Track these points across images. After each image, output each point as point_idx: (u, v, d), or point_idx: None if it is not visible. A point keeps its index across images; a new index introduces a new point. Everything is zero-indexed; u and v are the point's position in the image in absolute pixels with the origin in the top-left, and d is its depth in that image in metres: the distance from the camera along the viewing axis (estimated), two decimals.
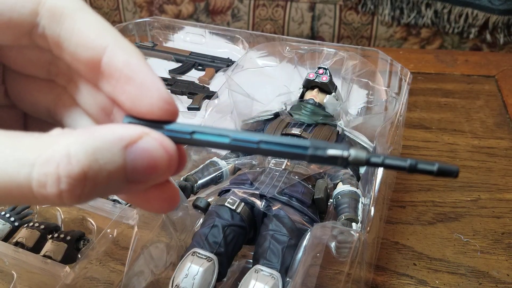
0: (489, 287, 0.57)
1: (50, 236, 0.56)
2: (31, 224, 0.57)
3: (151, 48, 0.89)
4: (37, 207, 0.60)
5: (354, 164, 0.23)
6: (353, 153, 0.22)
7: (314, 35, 1.28)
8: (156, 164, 0.22)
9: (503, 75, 0.94)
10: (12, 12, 0.23)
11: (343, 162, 0.22)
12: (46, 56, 0.26)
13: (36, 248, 0.54)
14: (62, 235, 0.54)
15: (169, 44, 0.92)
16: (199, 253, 0.47)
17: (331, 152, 0.22)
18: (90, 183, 0.20)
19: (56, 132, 0.21)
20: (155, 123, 0.24)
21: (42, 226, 0.56)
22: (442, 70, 0.97)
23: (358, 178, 0.59)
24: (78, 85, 0.27)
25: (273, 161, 0.57)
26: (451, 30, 1.16)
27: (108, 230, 0.49)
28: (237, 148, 0.24)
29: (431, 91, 0.91)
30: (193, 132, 0.23)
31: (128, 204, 0.53)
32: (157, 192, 0.24)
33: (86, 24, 0.24)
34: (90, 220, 0.57)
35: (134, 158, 0.21)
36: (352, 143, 0.61)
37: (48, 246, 0.53)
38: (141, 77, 0.23)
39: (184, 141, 0.24)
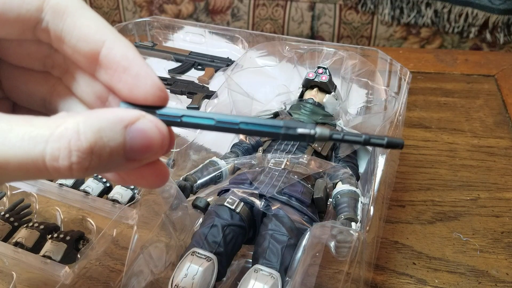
0: (488, 286, 0.57)
1: (49, 236, 0.56)
2: (30, 224, 0.57)
3: (150, 47, 0.89)
4: (37, 207, 0.60)
5: (320, 140, 0.27)
6: (318, 131, 0.26)
7: (314, 35, 1.27)
8: (151, 143, 0.25)
9: (503, 74, 0.94)
10: (20, 9, 0.26)
11: (310, 138, 0.26)
12: (43, 50, 0.29)
13: (35, 248, 0.54)
14: (61, 235, 0.54)
15: (169, 44, 0.92)
16: (198, 253, 0.47)
17: (300, 130, 0.26)
18: (95, 157, 0.23)
19: (62, 114, 0.24)
20: (149, 108, 0.27)
21: (42, 226, 0.56)
22: (441, 69, 0.97)
23: (358, 178, 0.59)
24: (75, 75, 0.30)
25: (272, 160, 0.57)
26: (451, 30, 1.16)
27: (108, 230, 0.49)
28: (221, 129, 0.27)
29: (430, 91, 0.91)
30: (182, 116, 0.27)
31: (128, 204, 0.53)
32: (150, 170, 0.28)
33: (86, 20, 0.26)
34: (90, 220, 0.57)
35: (132, 137, 0.24)
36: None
37: (48, 246, 0.53)
38: (137, 67, 0.26)
39: (175, 123, 0.27)
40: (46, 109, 0.31)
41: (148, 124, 0.25)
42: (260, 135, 0.28)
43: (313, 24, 1.26)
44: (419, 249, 0.62)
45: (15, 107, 0.32)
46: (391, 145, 0.27)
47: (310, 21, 1.25)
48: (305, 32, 1.27)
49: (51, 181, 0.60)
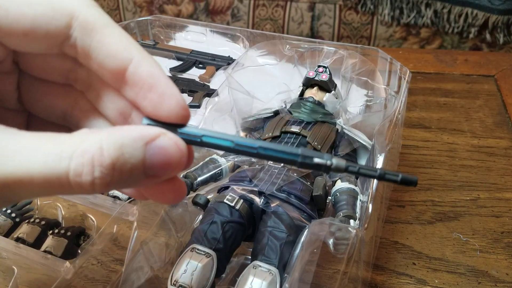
0: (488, 286, 0.57)
1: (50, 231, 0.56)
2: (32, 220, 0.58)
3: (152, 46, 0.89)
4: (38, 203, 0.60)
5: (335, 171, 0.27)
6: (334, 162, 0.27)
7: (314, 35, 1.28)
8: (170, 160, 0.26)
9: (502, 74, 0.94)
10: (49, 25, 0.26)
11: (326, 169, 0.27)
12: (68, 64, 0.30)
13: (36, 243, 0.55)
14: (62, 231, 0.55)
15: (171, 43, 0.92)
16: (198, 249, 0.47)
17: (317, 160, 0.27)
18: (117, 173, 0.24)
19: (85, 130, 0.25)
20: (170, 126, 0.27)
21: (43, 222, 0.56)
22: (441, 69, 0.97)
23: (357, 176, 0.59)
24: (99, 91, 0.30)
25: None
26: (450, 30, 1.16)
27: (108, 226, 0.49)
28: (239, 152, 0.28)
29: (430, 91, 0.91)
30: (202, 136, 0.27)
31: (128, 201, 0.53)
32: (169, 186, 0.28)
33: (114, 38, 0.27)
34: (91, 216, 0.58)
35: (152, 154, 0.25)
36: (351, 141, 0.61)
37: (49, 241, 0.54)
38: (162, 86, 0.27)
39: (194, 143, 0.27)
40: (66, 122, 0.32)
41: (168, 142, 0.26)
42: (276, 161, 0.29)
43: (313, 24, 1.26)
44: (419, 249, 0.62)
45: (31, 120, 0.32)
46: (405, 181, 0.28)
47: (310, 22, 1.26)
48: (305, 32, 1.28)
49: None
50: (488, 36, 1.15)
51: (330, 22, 1.25)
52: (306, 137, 0.58)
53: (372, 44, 1.26)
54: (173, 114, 0.27)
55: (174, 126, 0.27)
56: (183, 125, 0.28)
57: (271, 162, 0.56)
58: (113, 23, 0.27)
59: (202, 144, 0.27)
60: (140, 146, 0.25)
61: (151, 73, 0.27)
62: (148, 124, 0.27)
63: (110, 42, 0.27)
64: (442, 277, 0.58)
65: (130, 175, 0.25)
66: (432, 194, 0.70)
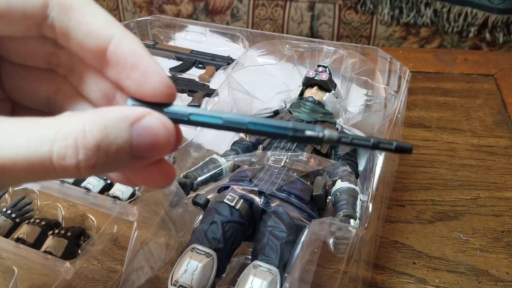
0: (488, 285, 0.57)
1: (50, 232, 0.56)
2: (32, 220, 0.58)
3: (152, 46, 0.89)
4: (38, 203, 0.60)
5: (328, 143, 0.27)
6: (326, 133, 0.26)
7: (313, 35, 1.28)
8: (157, 140, 0.25)
9: (502, 74, 0.94)
10: (25, 6, 0.25)
11: (318, 141, 0.26)
12: (48, 47, 0.29)
13: (37, 244, 0.54)
14: (62, 231, 0.55)
15: (170, 43, 0.92)
16: (198, 249, 0.47)
17: (308, 133, 0.26)
18: (102, 155, 0.23)
19: (67, 113, 0.24)
20: (156, 105, 0.26)
21: (43, 222, 0.56)
22: (441, 69, 0.97)
23: (357, 175, 0.59)
24: (81, 74, 0.29)
25: (272, 158, 0.57)
26: (450, 29, 1.16)
27: (108, 226, 0.49)
28: (229, 129, 0.27)
29: (430, 90, 0.91)
30: (190, 114, 0.26)
31: (128, 201, 0.53)
32: (156, 169, 0.28)
33: (93, 16, 0.26)
34: (91, 216, 0.58)
35: (138, 134, 0.24)
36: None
37: (49, 242, 0.54)
38: (145, 64, 0.26)
39: (182, 121, 0.27)
40: (50, 108, 0.31)
41: (155, 121, 0.25)
42: (267, 136, 0.28)
43: (312, 24, 1.26)
44: (419, 249, 0.62)
45: (16, 108, 0.32)
46: (399, 149, 0.27)
47: (310, 21, 1.26)
48: (304, 32, 1.27)
49: None
50: (487, 35, 1.15)
51: (330, 21, 1.25)
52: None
53: (372, 43, 1.26)
54: (158, 93, 0.26)
55: (160, 105, 0.26)
56: (169, 104, 0.27)
57: (271, 162, 0.56)
58: (92, 2, 0.27)
59: (190, 122, 0.27)
60: (125, 126, 0.24)
61: (132, 51, 0.26)
62: (133, 105, 0.27)
63: (89, 21, 0.26)
64: (442, 277, 0.58)
65: (116, 157, 0.24)
66: (432, 194, 0.70)
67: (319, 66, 0.65)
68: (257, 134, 0.28)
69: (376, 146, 0.27)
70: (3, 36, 0.27)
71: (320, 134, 0.26)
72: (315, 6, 1.22)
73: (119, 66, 0.26)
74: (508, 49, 1.20)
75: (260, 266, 0.47)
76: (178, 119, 0.27)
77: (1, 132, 0.23)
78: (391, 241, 0.63)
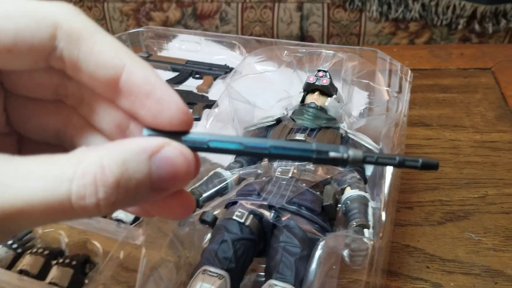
0: (505, 286, 0.56)
1: (55, 261, 0.54)
2: (34, 250, 0.56)
3: (146, 58, 0.87)
4: (39, 231, 0.58)
5: (353, 164, 0.27)
6: (351, 154, 0.26)
7: (303, 35, 1.27)
8: (177, 171, 0.24)
9: (499, 67, 0.94)
10: (33, 38, 0.24)
11: (343, 162, 0.26)
12: (55, 78, 0.27)
13: (41, 275, 0.52)
14: (67, 260, 0.53)
15: (164, 53, 0.90)
16: (210, 271, 0.46)
17: (333, 154, 0.26)
18: (122, 191, 0.22)
19: (82, 149, 0.23)
20: (173, 134, 0.25)
21: (46, 252, 0.54)
22: (437, 65, 0.96)
23: (365, 181, 0.58)
24: (92, 104, 0.28)
25: (279, 169, 0.55)
26: (439, 23, 1.16)
27: (115, 252, 0.47)
28: (250, 154, 0.26)
29: (428, 87, 0.90)
30: (209, 141, 0.26)
31: (133, 224, 0.51)
32: (176, 199, 0.27)
33: (104, 45, 0.25)
34: (95, 242, 0.56)
35: (158, 166, 0.23)
36: (356, 146, 0.60)
37: (54, 272, 0.52)
38: (160, 91, 0.25)
39: (201, 149, 0.26)
40: (60, 141, 0.30)
41: (174, 152, 0.24)
42: (290, 159, 0.27)
43: (302, 24, 1.25)
44: (432, 252, 0.61)
45: (23, 142, 0.30)
46: (425, 166, 0.26)
47: (299, 22, 1.25)
48: (294, 32, 1.26)
49: None
50: (477, 26, 1.15)
51: (319, 21, 1.24)
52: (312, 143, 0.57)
53: (362, 40, 1.26)
54: (175, 121, 0.25)
55: (177, 134, 0.25)
56: (186, 132, 0.26)
57: (279, 173, 0.55)
58: (100, 30, 0.25)
59: (210, 150, 0.26)
60: (144, 159, 0.23)
61: (146, 79, 0.25)
62: (149, 135, 0.26)
63: (99, 51, 0.25)
64: (457, 279, 0.57)
65: (136, 192, 0.23)
66: (440, 194, 0.69)
67: (319, 71, 0.64)
68: (280, 158, 0.27)
69: (402, 164, 0.26)
70: (10, 70, 0.26)
71: (345, 155, 0.25)
72: (303, 6, 1.22)
73: (133, 95, 0.25)
74: (498, 39, 1.20)
75: (276, 285, 0.45)
76: (197, 147, 0.26)
77: (15, 174, 0.21)
78: (403, 246, 0.62)
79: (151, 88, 0.25)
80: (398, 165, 0.26)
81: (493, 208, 0.66)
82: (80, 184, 0.21)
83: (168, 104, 0.25)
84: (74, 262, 0.52)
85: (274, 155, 0.26)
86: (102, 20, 1.29)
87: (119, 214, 0.56)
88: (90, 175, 0.22)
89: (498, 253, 0.60)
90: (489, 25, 1.14)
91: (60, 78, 0.27)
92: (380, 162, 0.26)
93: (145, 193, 0.23)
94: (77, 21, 0.25)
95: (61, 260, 0.53)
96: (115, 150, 0.23)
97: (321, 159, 0.26)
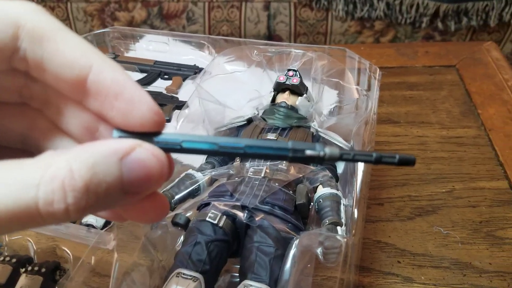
0: (473, 277, 0.58)
1: (23, 269, 0.52)
2: (1, 258, 0.53)
3: (112, 59, 0.85)
4: (6, 239, 0.56)
5: (330, 161, 0.26)
6: (327, 151, 0.25)
7: (271, 34, 1.27)
8: (150, 173, 0.23)
9: (463, 64, 0.96)
10: None
11: (319, 160, 0.25)
12: (19, 80, 0.26)
13: (9, 284, 0.51)
14: (36, 268, 0.51)
15: (131, 54, 0.88)
16: (183, 274, 0.45)
17: (309, 152, 0.25)
18: (92, 196, 0.22)
19: (49, 153, 0.22)
20: (145, 135, 0.25)
21: (14, 260, 0.52)
22: (404, 63, 0.98)
23: (337, 179, 0.59)
24: (58, 106, 0.27)
25: (251, 169, 0.55)
26: (403, 21, 1.18)
27: (86, 258, 0.46)
28: (225, 154, 0.26)
29: (395, 85, 0.92)
30: (182, 141, 0.25)
31: (104, 229, 0.50)
32: (149, 203, 0.26)
33: (69, 44, 0.24)
34: (65, 248, 0.54)
35: (129, 169, 0.23)
36: (327, 144, 0.61)
37: (22, 281, 0.50)
38: (129, 91, 0.24)
39: (174, 150, 0.25)
40: (26, 145, 0.28)
41: (146, 154, 0.23)
42: (266, 158, 0.27)
43: (269, 23, 1.25)
44: (402, 247, 0.62)
45: None
46: (402, 162, 0.26)
47: (267, 21, 1.25)
48: (262, 32, 1.27)
49: None
50: (440, 25, 1.18)
51: (286, 20, 1.24)
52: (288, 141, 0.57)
53: (328, 39, 1.27)
54: (146, 122, 0.24)
55: (149, 135, 0.25)
56: (158, 132, 0.25)
57: (251, 173, 0.54)
58: (65, 29, 0.24)
59: (183, 150, 0.25)
60: (115, 162, 0.22)
61: (115, 79, 0.24)
62: (120, 137, 0.25)
63: (64, 50, 0.24)
64: (428, 273, 0.58)
65: (107, 196, 0.22)
66: (409, 189, 0.70)
67: (289, 70, 0.64)
68: (255, 158, 0.26)
69: (379, 161, 0.26)
70: None
71: (321, 153, 0.25)
72: (270, 5, 1.22)
73: (101, 96, 0.24)
74: (460, 36, 1.23)
75: (251, 286, 0.45)
76: (169, 148, 0.25)
77: None
78: (374, 241, 0.63)
79: (120, 88, 0.24)
80: (375, 162, 0.26)
81: (460, 202, 0.68)
82: (47, 189, 0.21)
83: (138, 105, 0.24)
84: (43, 270, 0.51)
85: (249, 155, 0.26)
86: (66, 21, 1.27)
87: (89, 219, 0.54)
88: (58, 179, 0.21)
89: (466, 245, 0.61)
90: (451, 23, 1.17)
91: (24, 80, 0.26)
92: (357, 159, 0.26)
93: (117, 197, 0.23)
94: (40, 20, 0.24)
95: (29, 268, 0.52)
96: (84, 153, 0.22)
97: (297, 157, 0.25)
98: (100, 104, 0.25)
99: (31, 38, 0.24)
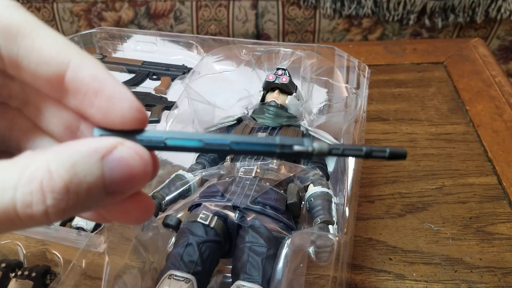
0: (464, 273, 0.58)
1: (13, 274, 0.51)
2: None
3: (100, 60, 0.84)
4: None
5: (318, 156, 0.25)
6: (316, 146, 0.25)
7: (259, 33, 1.27)
8: (132, 172, 0.23)
9: (451, 60, 0.96)
10: None
11: (308, 155, 0.25)
12: None
13: None
14: (26, 272, 0.50)
15: (119, 55, 0.87)
16: (175, 276, 0.45)
17: (297, 148, 0.25)
18: (72, 197, 0.21)
19: (28, 153, 0.22)
20: (127, 133, 0.24)
21: (3, 265, 0.52)
22: (392, 60, 0.98)
23: (328, 178, 0.59)
24: (38, 105, 0.26)
25: (242, 169, 0.55)
26: (391, 18, 1.19)
27: (76, 261, 0.46)
28: (210, 151, 0.25)
29: (384, 83, 0.92)
30: (166, 139, 0.24)
31: (94, 232, 0.50)
32: (134, 203, 0.25)
33: (45, 40, 0.23)
34: (55, 252, 0.54)
35: (111, 168, 0.22)
36: None
37: (13, 285, 0.49)
38: (110, 89, 0.23)
39: (158, 148, 0.24)
40: (5, 146, 0.28)
41: (128, 152, 0.22)
42: (252, 154, 0.26)
43: (257, 22, 1.25)
44: (393, 244, 0.62)
45: None
46: (393, 156, 0.25)
47: (255, 20, 1.25)
48: (250, 30, 1.26)
49: None
50: (427, 22, 1.19)
51: (274, 18, 1.24)
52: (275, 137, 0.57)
53: (316, 37, 1.27)
54: (127, 119, 0.24)
55: (131, 133, 0.24)
56: (141, 130, 0.24)
57: (242, 173, 0.54)
58: (42, 24, 0.24)
59: (167, 148, 0.24)
60: (96, 161, 0.21)
61: (94, 76, 0.23)
62: (101, 135, 0.24)
63: (40, 47, 0.23)
64: (419, 270, 0.59)
65: (88, 196, 0.21)
66: (399, 186, 0.70)
67: (278, 69, 0.64)
68: (242, 154, 0.26)
69: (369, 155, 0.25)
70: None
71: (310, 148, 0.25)
72: (258, 4, 1.22)
73: (80, 94, 0.24)
74: (447, 33, 1.24)
75: (244, 286, 0.45)
76: (153, 146, 0.24)
77: None
78: (365, 239, 0.63)
79: (100, 85, 0.23)
80: (365, 156, 0.25)
81: (450, 198, 0.68)
82: (25, 191, 0.20)
83: (119, 102, 0.23)
84: (33, 274, 0.50)
85: (236, 151, 0.25)
86: (52, 22, 1.25)
87: (79, 222, 0.54)
88: (36, 181, 0.20)
89: (456, 241, 0.62)
90: (438, 20, 1.18)
91: (1, 79, 0.25)
92: (346, 153, 0.26)
93: (99, 197, 0.22)
94: (15, 16, 0.23)
95: (19, 273, 0.51)
96: (63, 152, 0.21)
97: (285, 153, 0.25)
98: (79, 102, 0.24)
99: (6, 35, 0.23)
